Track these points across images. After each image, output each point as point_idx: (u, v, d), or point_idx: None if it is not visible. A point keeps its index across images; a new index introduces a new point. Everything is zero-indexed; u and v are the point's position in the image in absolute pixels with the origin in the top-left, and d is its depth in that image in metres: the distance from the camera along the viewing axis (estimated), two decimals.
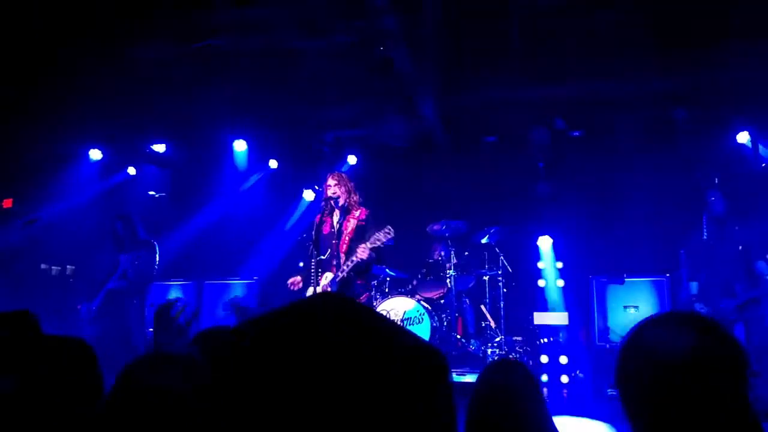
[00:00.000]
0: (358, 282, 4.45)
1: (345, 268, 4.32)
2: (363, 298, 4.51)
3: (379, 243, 4.25)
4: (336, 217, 4.55)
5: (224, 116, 6.73)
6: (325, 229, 4.51)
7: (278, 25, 4.97)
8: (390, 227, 4.29)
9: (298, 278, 4.55)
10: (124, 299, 5.13)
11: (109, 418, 1.33)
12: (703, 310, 4.42)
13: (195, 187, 7.77)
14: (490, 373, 1.86)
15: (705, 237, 4.95)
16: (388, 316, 5.79)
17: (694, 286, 4.61)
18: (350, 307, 0.67)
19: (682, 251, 4.79)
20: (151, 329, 1.67)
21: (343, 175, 4.67)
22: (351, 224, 4.46)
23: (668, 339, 1.03)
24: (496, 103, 6.19)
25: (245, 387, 0.60)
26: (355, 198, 4.57)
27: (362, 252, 4.23)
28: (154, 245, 5.33)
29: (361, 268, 4.39)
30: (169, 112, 6.58)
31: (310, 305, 0.67)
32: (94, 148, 7.44)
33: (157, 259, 5.28)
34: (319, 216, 4.56)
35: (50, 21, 4.92)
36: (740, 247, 4.61)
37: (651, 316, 1.11)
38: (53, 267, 7.93)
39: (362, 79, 5.73)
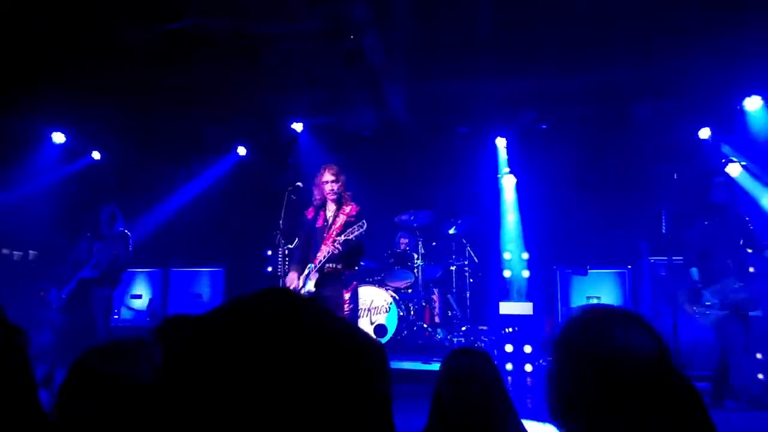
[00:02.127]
0: (346, 272, 4.44)
1: (316, 263, 4.32)
2: (350, 287, 4.51)
3: (351, 236, 4.25)
4: (330, 212, 4.51)
5: (192, 101, 6.61)
6: (319, 223, 4.49)
7: (247, 8, 4.88)
8: (364, 221, 4.29)
9: (295, 277, 4.48)
10: (95, 289, 5.04)
11: (60, 407, 1.32)
12: (711, 298, 4.43)
13: (161, 172, 7.63)
14: (454, 358, 1.93)
15: (664, 230, 5.06)
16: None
17: (695, 272, 4.55)
18: (291, 303, 0.69)
19: (687, 233, 4.63)
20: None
21: (339, 169, 4.59)
22: (340, 220, 4.43)
23: (634, 341, 1.02)
24: (465, 93, 6.20)
25: (190, 382, 0.63)
26: (347, 194, 4.53)
27: (333, 247, 4.24)
28: (128, 236, 5.25)
29: (342, 258, 4.36)
30: (136, 94, 6.43)
31: (252, 302, 0.69)
32: (57, 131, 7.24)
33: (130, 250, 5.20)
34: (312, 210, 4.53)
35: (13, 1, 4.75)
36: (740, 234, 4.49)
37: (590, 313, 1.09)
38: (15, 252, 7.74)
39: (331, 66, 5.69)
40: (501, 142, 7.04)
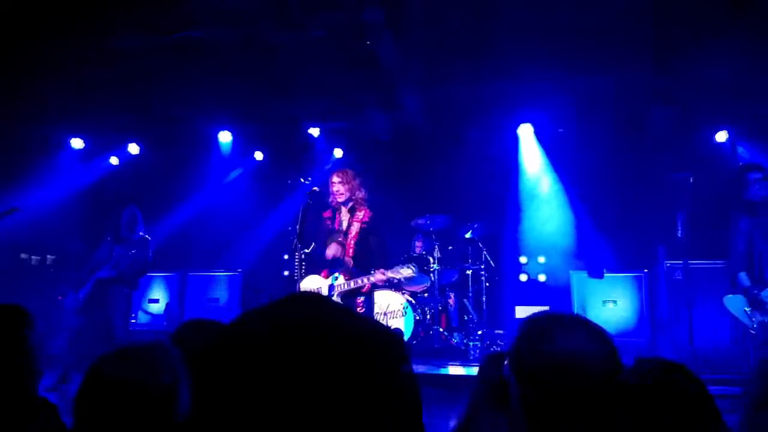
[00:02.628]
0: (358, 297, 4.47)
1: (353, 284, 4.29)
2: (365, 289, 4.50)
3: (398, 277, 4.24)
4: (344, 217, 4.49)
5: (209, 107, 6.69)
6: (336, 225, 4.48)
7: (258, 16, 4.93)
8: (415, 266, 4.25)
9: (314, 279, 4.47)
10: (112, 288, 5.06)
11: (77, 412, 1.33)
12: None
13: (178, 178, 7.71)
14: (492, 364, 1.91)
15: (680, 234, 5.04)
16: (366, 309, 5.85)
17: (744, 278, 4.28)
18: (320, 308, 0.71)
19: (737, 239, 4.35)
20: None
21: (349, 172, 4.57)
22: (355, 228, 4.41)
23: (584, 346, 1.03)
24: (480, 96, 6.22)
25: (220, 387, 0.64)
26: (360, 195, 4.49)
27: (380, 275, 4.20)
28: (149, 241, 5.28)
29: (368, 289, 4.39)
30: (152, 102, 6.52)
31: (281, 309, 0.71)
32: (75, 136, 7.34)
33: (150, 254, 5.23)
34: (329, 211, 4.53)
35: (31, 9, 4.83)
36: None
37: (532, 322, 1.10)
38: (33, 257, 7.83)
39: (345, 71, 5.72)
40: (527, 130, 6.89)
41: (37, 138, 7.11)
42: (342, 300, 4.34)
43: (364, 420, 0.63)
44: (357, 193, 4.48)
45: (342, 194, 4.42)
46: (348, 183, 4.44)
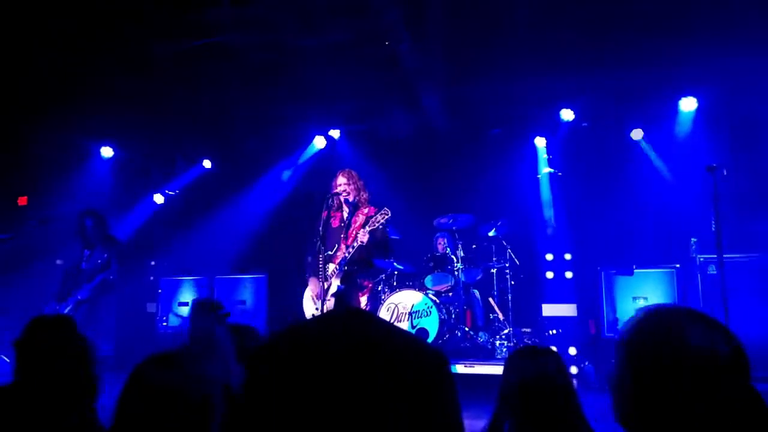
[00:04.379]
0: (360, 275, 4.52)
1: (346, 255, 4.39)
2: (368, 285, 4.60)
3: (377, 224, 4.34)
4: (345, 213, 4.62)
5: (233, 113, 6.78)
6: (334, 224, 4.60)
7: (280, 22, 4.98)
8: (387, 208, 4.38)
9: (315, 283, 4.55)
10: (110, 293, 5.23)
11: (120, 416, 1.37)
12: None
13: (208, 184, 7.86)
14: (520, 359, 1.86)
15: (713, 228, 4.87)
16: (396, 310, 5.84)
17: None
18: (363, 322, 0.72)
19: None
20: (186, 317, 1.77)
21: (353, 172, 4.72)
22: (359, 219, 4.54)
23: (714, 340, 1.00)
24: (502, 93, 6.15)
25: (271, 395, 0.66)
26: (364, 195, 4.64)
27: (362, 235, 4.33)
28: (117, 242, 5.39)
29: (362, 257, 4.44)
30: (180, 108, 6.65)
31: (328, 324, 0.73)
32: (105, 145, 7.55)
33: (114, 261, 5.30)
34: (326, 212, 4.60)
35: (62, 20, 4.99)
36: None
37: (658, 313, 1.06)
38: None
39: (365, 72, 5.73)
40: (540, 142, 6.94)
41: (69, 147, 7.33)
42: (343, 283, 4.39)
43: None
44: (362, 193, 4.61)
45: (349, 194, 4.53)
46: (354, 183, 4.57)
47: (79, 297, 5.15)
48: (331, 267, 4.50)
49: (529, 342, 6.17)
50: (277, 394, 0.65)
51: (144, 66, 5.64)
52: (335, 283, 4.45)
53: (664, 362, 0.99)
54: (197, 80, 5.93)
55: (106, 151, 7.60)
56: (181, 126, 7.15)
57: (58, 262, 7.88)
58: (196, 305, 2.04)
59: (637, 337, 1.04)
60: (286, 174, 7.66)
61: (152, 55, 5.46)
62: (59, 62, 5.58)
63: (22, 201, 7.12)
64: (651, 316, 1.06)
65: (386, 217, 4.37)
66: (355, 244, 4.38)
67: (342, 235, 4.53)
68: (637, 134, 6.57)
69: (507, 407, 1.79)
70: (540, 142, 6.94)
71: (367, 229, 4.33)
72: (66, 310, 5.13)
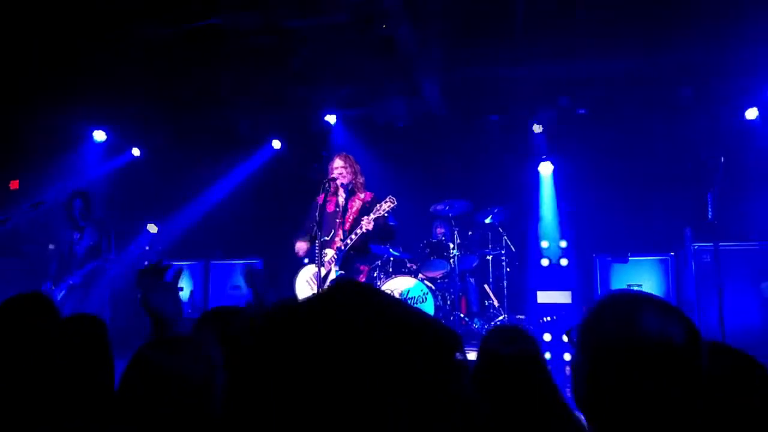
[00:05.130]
0: (357, 260, 4.51)
1: (349, 241, 4.38)
2: (364, 270, 4.59)
3: (382, 212, 4.34)
4: (341, 198, 4.59)
5: (225, 96, 6.70)
6: (329, 208, 4.56)
7: (276, 3, 4.90)
8: (392, 197, 4.37)
9: (304, 245, 4.57)
10: (103, 275, 5.21)
11: (123, 399, 1.36)
12: None
13: (200, 167, 7.79)
14: (492, 340, 1.86)
15: (710, 216, 4.88)
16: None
17: None
18: (366, 293, 0.69)
19: None
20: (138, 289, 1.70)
21: (350, 156, 4.68)
22: (356, 204, 4.53)
23: (668, 327, 1.00)
24: (500, 79, 6.11)
25: (266, 373, 0.63)
26: (360, 180, 4.62)
27: (367, 223, 4.31)
28: (106, 221, 5.37)
29: (363, 243, 4.44)
30: (172, 91, 6.57)
31: (327, 295, 0.69)
32: (97, 129, 7.46)
33: (104, 239, 5.30)
34: (322, 196, 4.57)
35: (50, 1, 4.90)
36: None
37: (615, 299, 1.07)
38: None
39: (363, 56, 5.67)
40: (537, 129, 6.89)
41: (61, 131, 7.24)
42: (342, 268, 4.42)
43: (410, 415, 0.61)
44: (359, 177, 4.59)
45: (345, 177, 4.51)
46: (351, 166, 4.55)
47: (70, 282, 5.13)
48: (330, 253, 4.47)
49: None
50: (270, 371, 0.62)
51: (137, 48, 5.55)
52: (334, 270, 4.43)
53: (617, 348, 1.00)
54: (191, 63, 5.85)
55: (99, 135, 7.51)
56: (177, 109, 7.07)
57: (51, 246, 7.84)
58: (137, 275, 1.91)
59: (593, 323, 1.05)
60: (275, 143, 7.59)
61: (145, 37, 5.38)
62: (51, 45, 5.49)
63: (14, 185, 7.04)
64: (608, 302, 1.07)
65: (392, 206, 4.35)
66: (358, 231, 4.35)
67: (338, 220, 4.50)
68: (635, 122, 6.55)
69: (475, 388, 1.78)
70: (537, 129, 6.89)
71: (372, 217, 4.31)
72: (60, 296, 5.10)
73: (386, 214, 4.38)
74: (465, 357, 0.70)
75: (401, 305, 0.70)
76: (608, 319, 1.04)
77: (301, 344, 0.63)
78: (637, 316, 1.01)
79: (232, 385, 0.66)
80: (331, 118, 7.20)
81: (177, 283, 1.79)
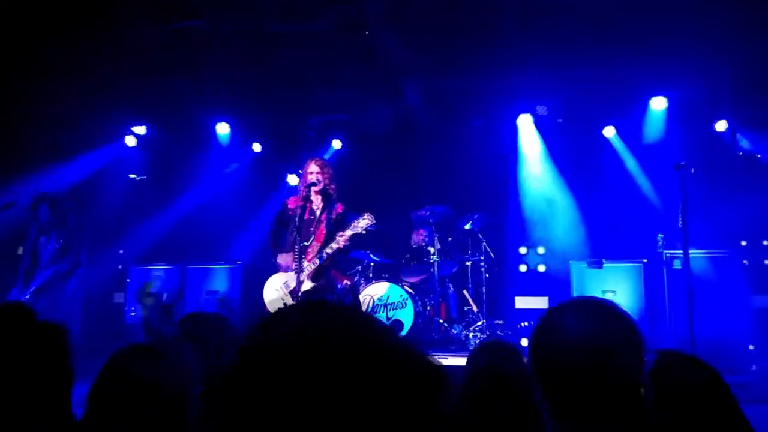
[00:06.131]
0: (332, 270, 4.51)
1: (324, 255, 4.34)
2: (336, 275, 4.57)
3: (359, 230, 4.28)
4: (315, 205, 4.55)
5: (207, 99, 6.64)
6: (306, 215, 4.52)
7: (259, 7, 4.88)
8: (370, 214, 4.32)
9: (289, 258, 4.49)
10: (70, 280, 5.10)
11: (94, 405, 1.33)
12: None
13: (177, 170, 7.67)
14: (479, 354, 1.88)
15: (680, 225, 5.03)
16: (371, 301, 5.84)
17: None
18: (348, 322, 0.65)
19: None
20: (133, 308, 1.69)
21: (326, 161, 4.66)
22: (329, 215, 4.49)
23: (570, 324, 1.09)
24: (479, 87, 6.19)
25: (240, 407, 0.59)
26: (332, 187, 4.57)
27: (342, 240, 4.28)
28: (77, 229, 5.25)
29: (338, 256, 4.43)
30: (151, 93, 6.47)
31: (305, 319, 0.65)
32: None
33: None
34: (298, 201, 4.52)
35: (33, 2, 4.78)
36: None
37: (555, 304, 1.18)
38: None
39: (345, 62, 5.68)
40: (542, 111, 6.80)
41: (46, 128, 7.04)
42: (313, 280, 4.38)
43: None
44: (331, 184, 4.54)
45: (320, 182, 4.47)
46: (326, 172, 4.51)
47: (32, 288, 4.99)
48: (306, 263, 4.43)
49: (502, 334, 6.27)
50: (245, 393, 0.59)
51: (119, 49, 5.45)
52: (308, 282, 4.39)
53: (535, 349, 1.16)
54: (174, 65, 5.77)
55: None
56: (156, 111, 6.96)
57: (20, 250, 7.60)
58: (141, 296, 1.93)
59: (532, 339, 1.20)
60: (232, 167, 7.58)
61: (127, 37, 5.29)
62: (37, 47, 5.35)
63: None
64: (543, 316, 1.22)
65: (369, 223, 4.30)
66: (333, 246, 4.30)
67: (312, 228, 4.47)
68: (609, 131, 6.71)
69: (463, 401, 1.80)
70: (541, 110, 6.84)
71: (348, 234, 4.26)
72: (26, 298, 4.96)
73: (363, 232, 4.34)
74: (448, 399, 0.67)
75: (381, 331, 0.66)
76: (539, 335, 1.19)
77: (275, 369, 0.59)
78: (549, 320, 1.18)
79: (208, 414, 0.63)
80: (311, 123, 7.20)
81: (172, 299, 1.79)
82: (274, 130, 7.35)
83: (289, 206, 4.60)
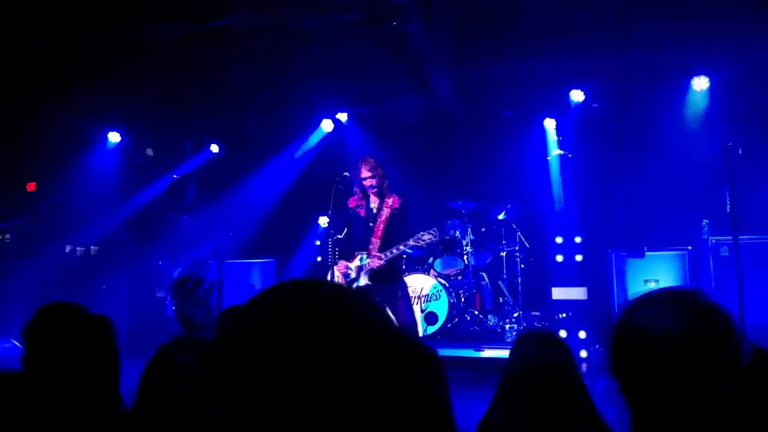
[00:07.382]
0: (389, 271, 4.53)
1: (383, 257, 4.40)
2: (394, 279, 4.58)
3: (422, 243, 4.35)
4: (373, 203, 4.61)
5: (241, 96, 6.73)
6: (362, 213, 4.60)
7: (287, 2, 4.90)
8: (436, 229, 4.36)
9: (343, 265, 4.59)
10: None
11: (143, 396, 1.36)
12: None
13: (216, 168, 7.84)
14: (523, 344, 1.83)
15: (728, 208, 4.80)
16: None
17: None
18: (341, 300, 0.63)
19: None
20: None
21: (373, 160, 4.64)
22: (385, 212, 4.52)
23: (656, 319, 1.01)
24: (511, 75, 6.06)
25: (229, 389, 0.58)
26: (386, 183, 4.61)
27: (406, 248, 4.39)
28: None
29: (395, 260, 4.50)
30: (187, 93, 6.60)
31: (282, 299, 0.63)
32: (112, 130, 7.52)
33: None
34: (357, 200, 4.62)
35: (63, 3, 4.93)
36: None
37: (637, 297, 1.09)
38: (78, 248, 8.12)
39: (375, 54, 5.65)
40: (550, 124, 6.85)
41: (77, 133, 7.31)
42: (371, 280, 4.44)
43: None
44: (385, 180, 4.58)
45: (374, 186, 4.53)
46: (376, 171, 4.54)
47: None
48: (362, 259, 4.48)
49: (539, 325, 6.16)
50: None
51: (150, 50, 5.58)
52: (364, 279, 4.46)
53: (620, 339, 1.05)
54: (204, 64, 5.87)
55: (114, 137, 7.58)
56: (189, 110, 7.11)
57: (68, 248, 7.93)
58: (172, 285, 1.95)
59: (618, 331, 1.09)
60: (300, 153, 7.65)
61: (159, 38, 5.40)
62: (65, 46, 5.52)
63: (31, 187, 7.13)
64: (631, 305, 1.10)
65: (432, 239, 4.33)
66: (395, 251, 4.37)
67: (370, 224, 4.53)
68: (646, 114, 6.46)
69: (507, 395, 1.75)
70: (549, 124, 6.85)
71: (411, 243, 4.33)
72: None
73: (424, 245, 4.39)
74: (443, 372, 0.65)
75: (376, 314, 0.64)
76: (621, 315, 1.07)
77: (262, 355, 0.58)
78: (636, 310, 1.05)
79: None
80: (342, 116, 7.20)
81: (209, 294, 1.81)
82: (305, 125, 7.39)
83: (350, 206, 4.66)
